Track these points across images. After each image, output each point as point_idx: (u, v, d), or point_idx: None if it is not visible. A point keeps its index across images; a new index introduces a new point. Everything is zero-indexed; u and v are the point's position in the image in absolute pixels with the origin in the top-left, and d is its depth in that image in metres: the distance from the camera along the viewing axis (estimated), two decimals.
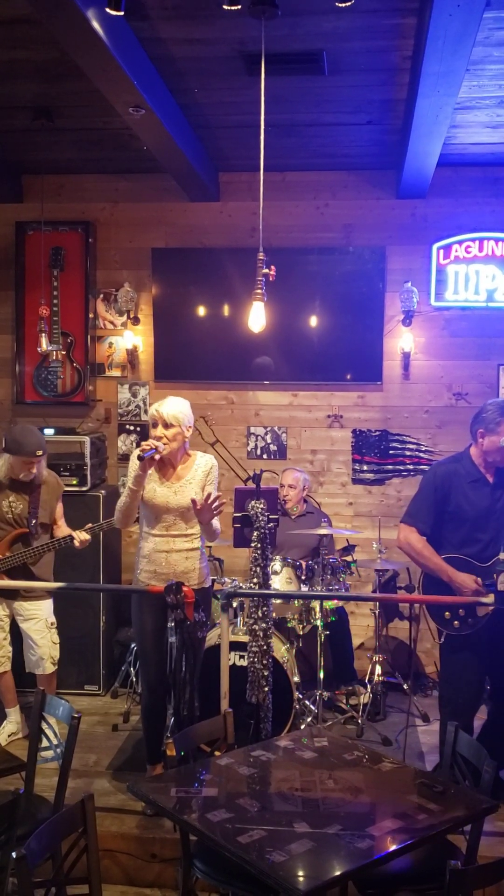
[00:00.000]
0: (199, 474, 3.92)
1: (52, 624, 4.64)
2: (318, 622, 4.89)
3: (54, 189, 5.98)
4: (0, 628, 4.61)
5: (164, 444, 3.79)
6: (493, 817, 3.52)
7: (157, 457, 3.76)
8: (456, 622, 3.86)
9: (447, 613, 3.88)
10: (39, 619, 4.59)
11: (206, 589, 4.01)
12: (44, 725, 3.30)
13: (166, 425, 3.82)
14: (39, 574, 4.55)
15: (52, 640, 4.63)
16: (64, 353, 5.94)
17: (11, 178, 6.00)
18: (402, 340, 5.77)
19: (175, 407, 3.85)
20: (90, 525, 4.50)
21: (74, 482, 5.44)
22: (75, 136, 5.20)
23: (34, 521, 4.52)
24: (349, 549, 5.23)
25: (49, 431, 5.64)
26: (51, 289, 5.95)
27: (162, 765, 4.05)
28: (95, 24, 3.23)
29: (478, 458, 4.00)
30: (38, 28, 3.62)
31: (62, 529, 4.64)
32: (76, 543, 4.42)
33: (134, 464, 3.79)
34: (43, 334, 5.14)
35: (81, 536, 4.41)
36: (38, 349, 5.24)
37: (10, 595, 4.56)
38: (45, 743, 3.33)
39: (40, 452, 4.38)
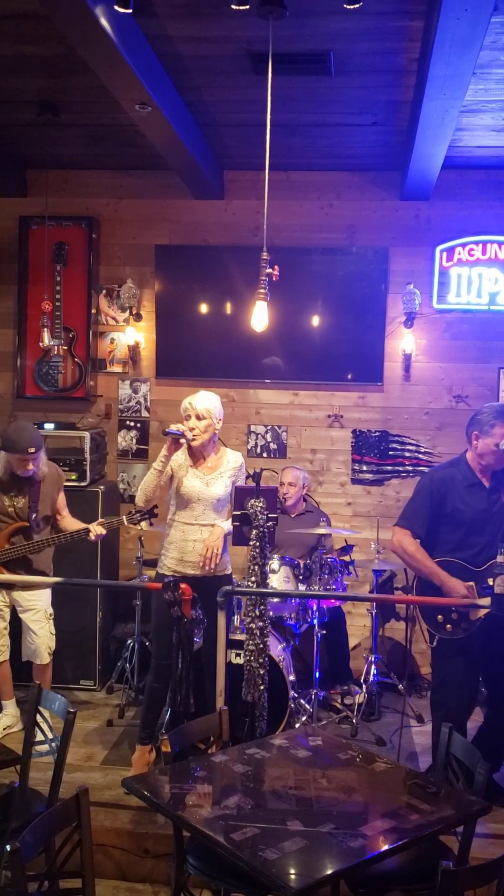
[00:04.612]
0: (230, 468, 4.20)
1: (50, 615, 4.66)
2: (315, 620, 4.90)
3: (58, 184, 5.98)
4: (0, 618, 4.63)
5: (195, 435, 4.02)
6: (485, 819, 3.53)
7: (182, 441, 3.96)
8: (449, 626, 3.86)
9: (440, 617, 3.88)
10: (38, 610, 4.61)
11: (228, 576, 4.27)
12: (39, 719, 3.31)
13: (199, 417, 4.06)
14: (38, 565, 4.58)
15: (50, 630, 4.65)
16: (65, 348, 5.95)
17: (16, 172, 6.00)
18: (403, 342, 5.78)
19: (207, 400, 4.10)
20: (109, 519, 4.51)
21: (74, 477, 5.45)
22: (81, 132, 5.20)
23: (34, 516, 4.54)
24: (347, 549, 5.25)
25: (49, 426, 5.64)
26: (53, 284, 5.96)
27: (150, 749, 4.19)
28: (103, 21, 3.23)
29: (474, 463, 4.01)
30: (45, 23, 3.63)
31: (66, 520, 4.66)
32: (91, 537, 4.47)
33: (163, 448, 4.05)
34: (45, 329, 5.14)
35: (98, 530, 4.45)
36: (40, 344, 5.23)
37: (9, 585, 4.59)
38: (39, 737, 3.34)
39: (33, 449, 4.39)
